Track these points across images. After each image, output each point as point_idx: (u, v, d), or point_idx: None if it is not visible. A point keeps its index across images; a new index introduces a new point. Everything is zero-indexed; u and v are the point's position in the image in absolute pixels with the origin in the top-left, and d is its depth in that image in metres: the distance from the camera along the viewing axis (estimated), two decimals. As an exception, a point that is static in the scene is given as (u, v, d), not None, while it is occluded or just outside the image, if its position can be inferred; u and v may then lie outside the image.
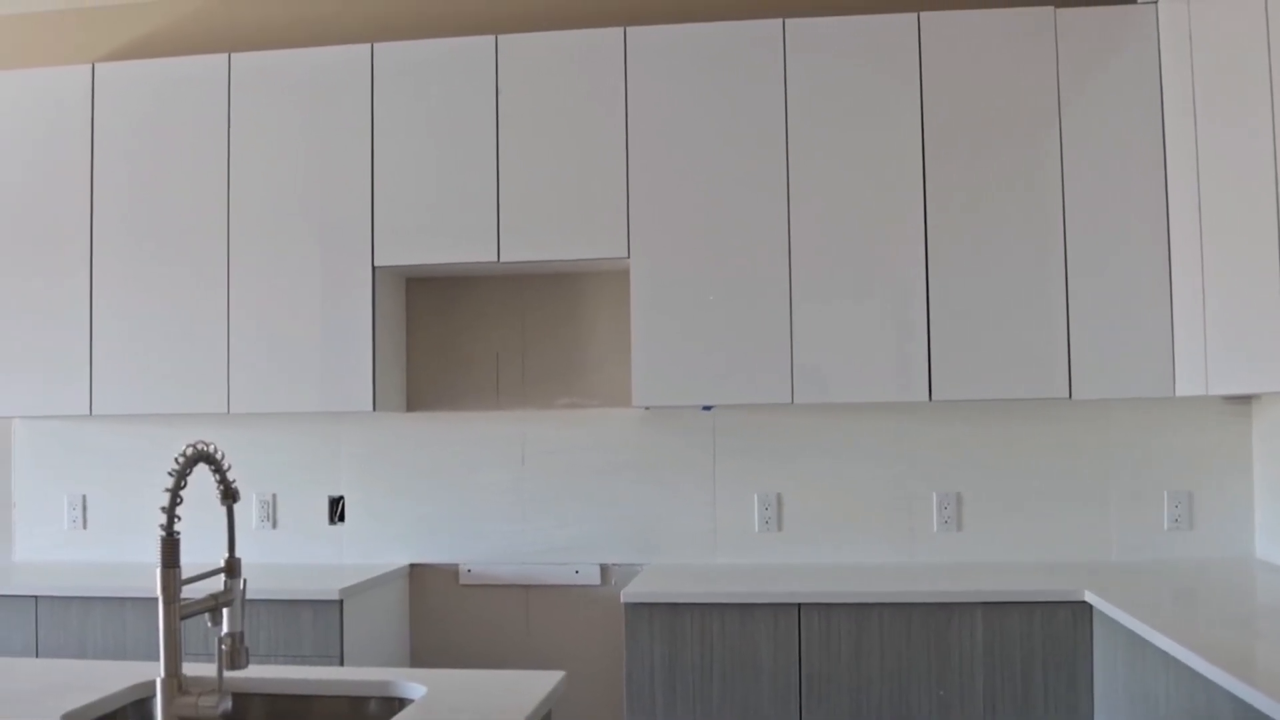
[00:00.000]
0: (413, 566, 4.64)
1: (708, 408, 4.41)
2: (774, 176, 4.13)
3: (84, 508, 4.86)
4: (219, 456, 2.15)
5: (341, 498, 4.69)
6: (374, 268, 4.30)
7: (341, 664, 4.01)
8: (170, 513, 2.01)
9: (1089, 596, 3.60)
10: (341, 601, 4.02)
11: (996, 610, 3.72)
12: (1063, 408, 4.31)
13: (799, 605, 3.79)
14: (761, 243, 4.13)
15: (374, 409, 4.28)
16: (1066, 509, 4.33)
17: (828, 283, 4.10)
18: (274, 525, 4.71)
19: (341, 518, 4.69)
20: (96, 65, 4.55)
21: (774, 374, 4.10)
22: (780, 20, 4.17)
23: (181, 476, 2.04)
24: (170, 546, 2.01)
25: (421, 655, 4.61)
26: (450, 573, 4.63)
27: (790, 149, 4.13)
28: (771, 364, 4.11)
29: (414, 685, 2.51)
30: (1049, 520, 4.33)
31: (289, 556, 4.70)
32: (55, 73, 4.58)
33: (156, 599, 4.18)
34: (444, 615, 4.62)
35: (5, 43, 5.00)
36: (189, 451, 2.08)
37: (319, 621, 4.03)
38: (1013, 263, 4.03)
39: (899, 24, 4.12)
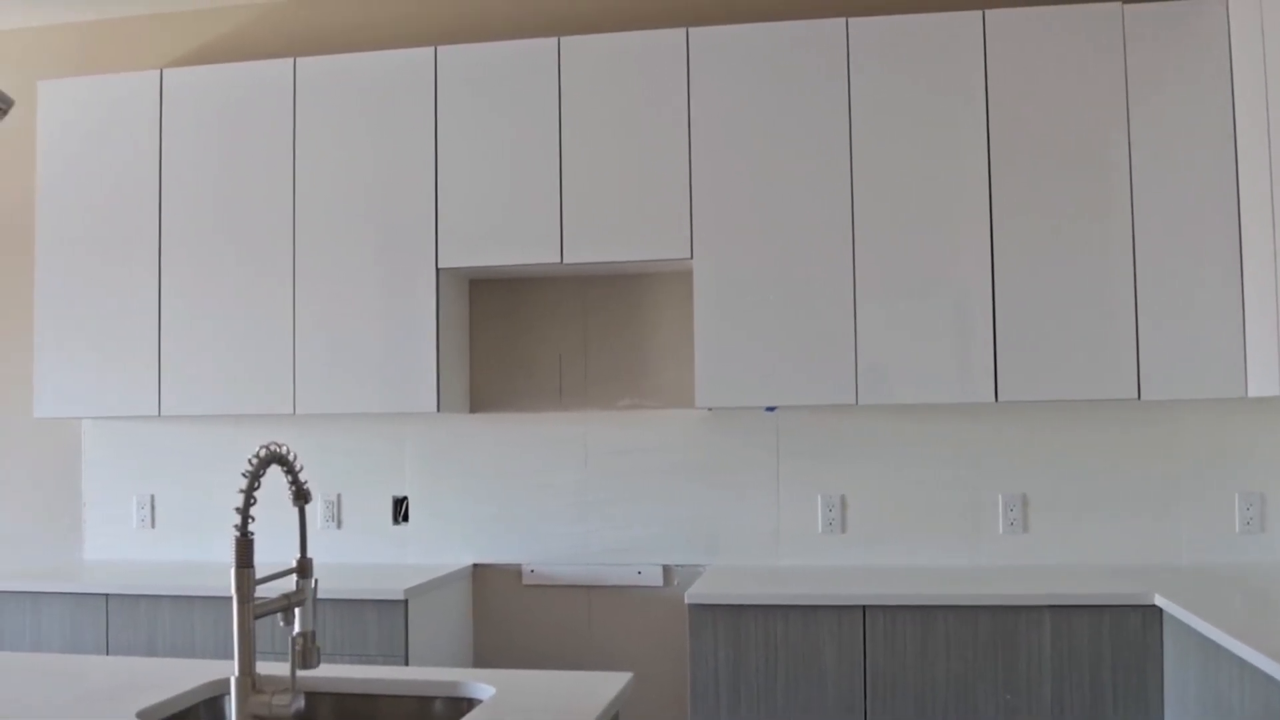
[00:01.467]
0: (476, 567, 4.67)
1: (771, 409, 4.39)
2: (838, 176, 4.11)
3: (152, 507, 4.93)
4: (291, 458, 2.16)
5: (405, 498, 4.72)
6: (438, 269, 4.33)
7: (406, 663, 4.03)
8: (244, 513, 2.03)
9: (1159, 600, 3.55)
10: (406, 601, 4.05)
11: (1064, 614, 3.68)
12: (1131, 408, 4.25)
13: (864, 607, 3.77)
14: (825, 243, 4.11)
15: (438, 410, 4.30)
16: (1135, 511, 4.27)
17: (892, 283, 4.07)
18: (339, 525, 4.75)
19: (405, 518, 4.72)
20: (165, 71, 4.61)
21: (838, 375, 4.08)
22: (843, 19, 4.15)
23: (255, 477, 2.06)
24: (244, 547, 2.03)
25: (484, 655, 4.63)
26: (513, 573, 4.64)
27: (854, 147, 4.11)
28: (835, 365, 4.09)
29: (482, 686, 2.52)
30: (1117, 523, 4.28)
31: (353, 556, 4.73)
32: (124, 78, 4.65)
33: (225, 598, 4.25)
34: (507, 615, 4.64)
35: (75, 49, 5.08)
36: (262, 453, 2.09)
37: (384, 621, 4.05)
38: (1080, 262, 3.98)
39: (964, 22, 4.08)
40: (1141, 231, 3.96)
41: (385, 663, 3.99)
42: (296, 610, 2.21)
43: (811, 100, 4.16)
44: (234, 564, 2.03)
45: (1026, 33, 4.06)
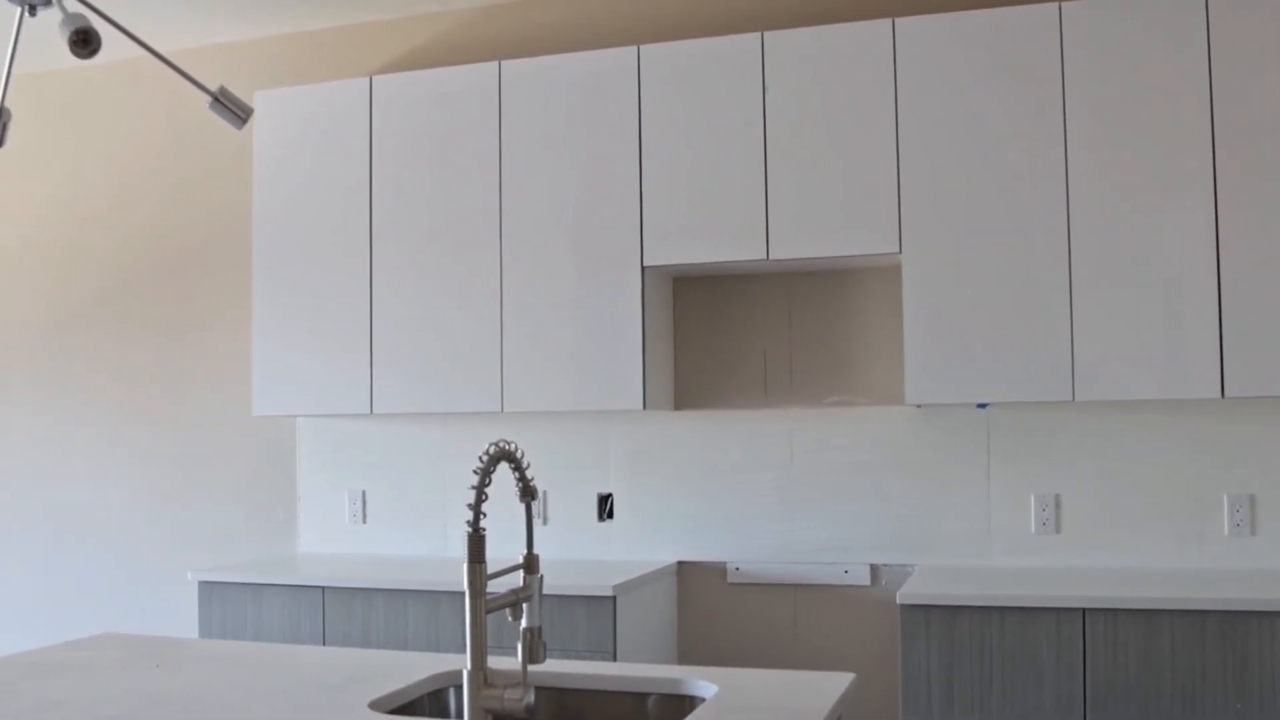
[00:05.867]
0: (680, 564, 4.67)
1: (983, 405, 4.28)
2: (1052, 164, 3.98)
3: (364, 502, 5.06)
4: (519, 455, 2.18)
5: (610, 495, 4.75)
6: (643, 267, 4.34)
7: (614, 659, 4.05)
8: (476, 509, 2.05)
9: (1407, 607, 3.36)
10: (615, 598, 4.07)
11: (1300, 620, 3.51)
12: (1370, 404, 4.03)
13: (1084, 610, 3.64)
14: (1039, 233, 3.98)
15: (644, 407, 4.32)
16: (1375, 512, 4.05)
17: (1110, 273, 3.92)
18: (545, 521, 4.80)
19: (610, 514, 4.74)
20: (374, 78, 4.73)
21: (1053, 370, 3.96)
22: (1056, 4, 4.01)
23: (486, 474, 2.08)
24: (477, 542, 2.05)
25: (689, 653, 4.63)
26: (718, 571, 4.63)
27: (1069, 135, 3.97)
28: (1050, 359, 3.96)
29: (704, 683, 2.50)
30: (1355, 524, 4.06)
31: (559, 552, 4.78)
32: (336, 86, 4.79)
33: (436, 592, 4.32)
34: (712, 613, 4.63)
35: (289, 60, 5.25)
36: (492, 450, 2.12)
37: (593, 617, 4.08)
38: (1315, 249, 3.78)
39: None
40: (1382, 216, 3.74)
41: (594, 658, 4.02)
42: (524, 605, 2.23)
43: (1022, 87, 4.03)
44: (466, 559, 2.05)
45: (1253, 4, 3.86)
